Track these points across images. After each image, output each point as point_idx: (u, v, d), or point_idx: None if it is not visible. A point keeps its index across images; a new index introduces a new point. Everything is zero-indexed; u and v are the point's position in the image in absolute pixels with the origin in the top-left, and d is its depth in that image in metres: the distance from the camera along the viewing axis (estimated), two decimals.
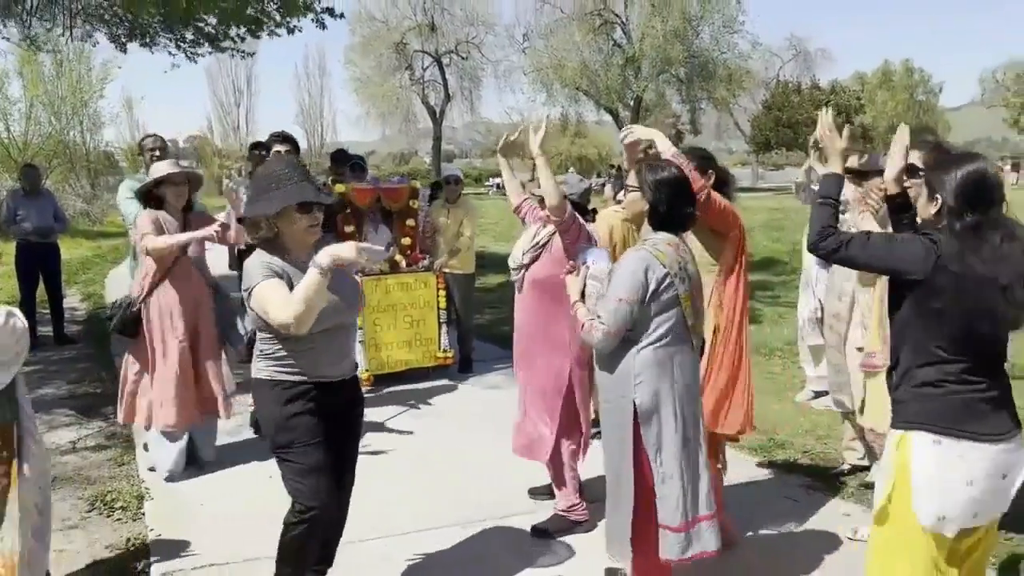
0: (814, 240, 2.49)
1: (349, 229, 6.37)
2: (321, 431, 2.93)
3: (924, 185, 2.46)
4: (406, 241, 6.88)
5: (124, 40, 8.33)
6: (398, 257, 6.75)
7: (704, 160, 3.67)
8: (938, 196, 2.37)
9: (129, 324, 4.52)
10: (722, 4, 41.34)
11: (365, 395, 5.98)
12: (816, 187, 4.78)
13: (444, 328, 6.85)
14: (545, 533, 3.91)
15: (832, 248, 2.44)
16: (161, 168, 4.56)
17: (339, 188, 6.42)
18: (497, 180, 48.73)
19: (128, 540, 3.90)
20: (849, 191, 4.15)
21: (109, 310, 4.69)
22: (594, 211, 4.36)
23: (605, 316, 2.86)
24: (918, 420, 2.34)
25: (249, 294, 2.84)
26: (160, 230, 4.41)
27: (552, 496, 4.12)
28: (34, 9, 6.58)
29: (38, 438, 2.89)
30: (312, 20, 8.42)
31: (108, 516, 4.19)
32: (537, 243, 3.92)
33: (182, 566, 3.61)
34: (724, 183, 3.76)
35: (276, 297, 2.77)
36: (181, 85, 39.86)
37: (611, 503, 3.08)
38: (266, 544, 3.49)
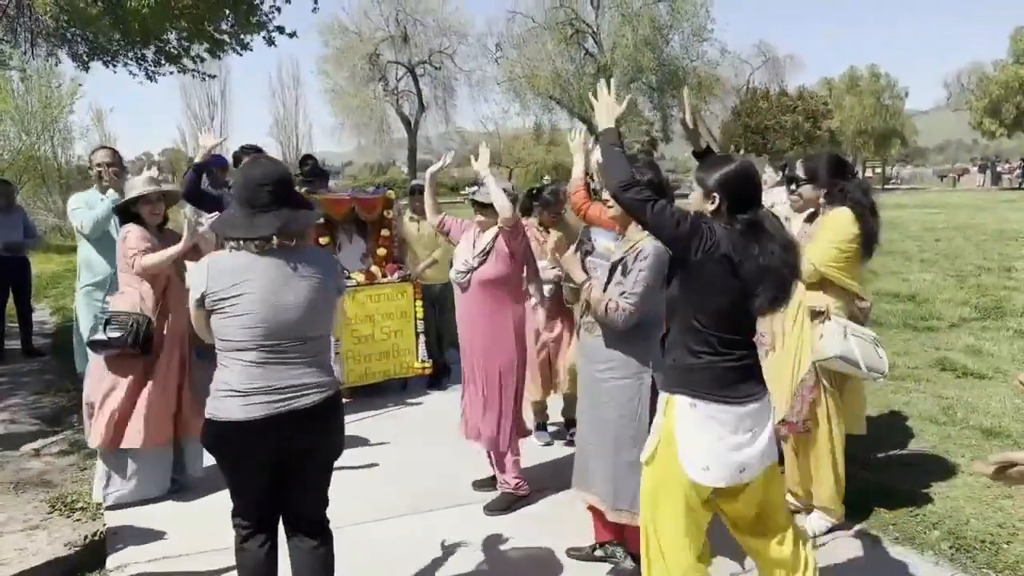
0: (618, 186, 2.66)
1: (324, 240, 6.41)
2: None
3: (698, 184, 2.74)
4: (381, 252, 6.85)
5: (86, 59, 8.48)
6: (374, 268, 6.74)
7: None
8: (715, 195, 2.66)
9: (148, 341, 4.40)
10: (691, 13, 41.98)
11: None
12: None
13: (421, 338, 6.77)
14: (496, 510, 4.30)
15: (638, 200, 2.63)
16: (137, 185, 4.54)
17: (313, 199, 6.36)
18: (473, 188, 48.95)
19: (86, 538, 4.07)
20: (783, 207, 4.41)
21: (110, 328, 4.37)
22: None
23: (635, 299, 3.23)
24: (679, 385, 2.68)
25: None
26: (149, 245, 4.43)
27: (494, 487, 4.44)
28: None
29: None
30: (263, 38, 8.67)
31: (68, 516, 4.36)
32: (483, 250, 4.28)
33: (137, 559, 3.81)
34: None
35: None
36: (155, 98, 39.81)
37: (618, 469, 3.40)
38: (217, 537, 3.73)
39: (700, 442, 2.62)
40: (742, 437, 2.64)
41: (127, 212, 4.56)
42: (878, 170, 49.51)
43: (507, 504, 4.34)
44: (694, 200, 2.78)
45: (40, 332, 9.55)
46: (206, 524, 4.14)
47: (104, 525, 4.21)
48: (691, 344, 2.66)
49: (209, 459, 4.77)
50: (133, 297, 4.47)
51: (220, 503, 4.26)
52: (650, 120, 48.76)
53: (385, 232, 6.89)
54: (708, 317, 2.63)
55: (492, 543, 3.98)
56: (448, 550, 3.90)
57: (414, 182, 7.25)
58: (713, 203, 2.67)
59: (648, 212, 2.62)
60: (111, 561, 3.81)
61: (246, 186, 2.76)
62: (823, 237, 3.78)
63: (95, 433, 4.49)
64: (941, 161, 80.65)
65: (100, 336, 4.38)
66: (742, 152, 41.50)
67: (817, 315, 3.77)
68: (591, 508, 3.64)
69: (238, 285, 2.67)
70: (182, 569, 3.71)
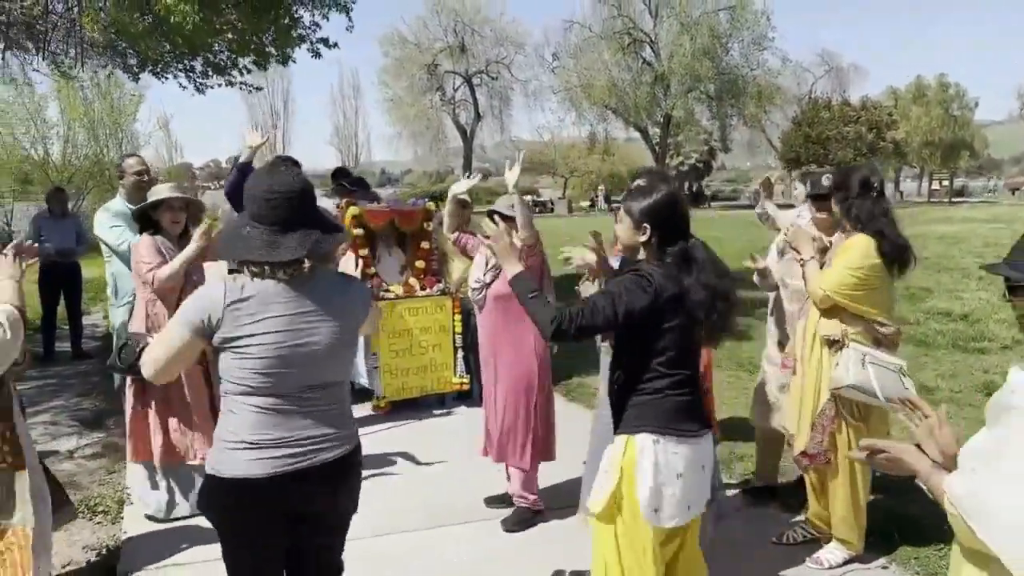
0: (554, 332, 2.52)
1: (363, 252, 6.33)
2: None
3: (626, 214, 2.68)
4: (420, 264, 6.71)
5: (136, 70, 8.76)
6: (412, 281, 6.62)
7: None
8: (645, 225, 2.61)
9: None
10: (751, 21, 41.49)
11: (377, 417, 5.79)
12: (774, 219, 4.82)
13: (460, 353, 6.61)
14: (512, 526, 4.28)
15: (576, 327, 2.51)
16: (160, 191, 4.37)
17: (352, 211, 6.33)
18: (528, 197, 49.01)
19: (103, 542, 4.18)
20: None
21: (122, 354, 4.22)
22: None
23: None
24: (641, 424, 2.61)
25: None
26: (161, 257, 4.22)
27: (508, 504, 4.41)
28: (48, 42, 7.02)
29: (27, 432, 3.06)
30: (307, 50, 8.84)
31: (90, 520, 4.48)
32: (495, 264, 4.22)
33: (146, 565, 3.88)
34: None
35: (161, 344, 2.39)
36: (221, 105, 40.98)
37: None
38: None
39: (662, 481, 2.57)
40: (696, 472, 2.64)
41: (145, 219, 4.36)
42: (945, 183, 48.03)
43: (521, 520, 4.30)
44: (623, 232, 2.72)
45: (91, 335, 9.86)
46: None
47: (123, 531, 4.30)
48: (649, 383, 2.63)
49: None
50: (142, 314, 4.32)
51: None
52: (708, 129, 48.32)
53: (425, 244, 6.77)
54: (663, 355, 2.60)
55: (503, 561, 3.93)
56: (458, 566, 3.87)
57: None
58: (644, 234, 2.63)
59: (586, 323, 2.52)
60: (120, 567, 3.89)
61: (266, 200, 2.31)
62: (839, 262, 3.61)
63: (129, 448, 4.46)
64: (1016, 173, 77.92)
65: (116, 362, 4.27)
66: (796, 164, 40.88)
67: (832, 344, 3.63)
68: None
69: (258, 323, 2.27)
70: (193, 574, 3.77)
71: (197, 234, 4.23)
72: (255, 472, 2.28)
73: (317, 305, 2.34)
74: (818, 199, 3.99)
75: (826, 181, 3.88)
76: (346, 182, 7.33)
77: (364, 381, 6.40)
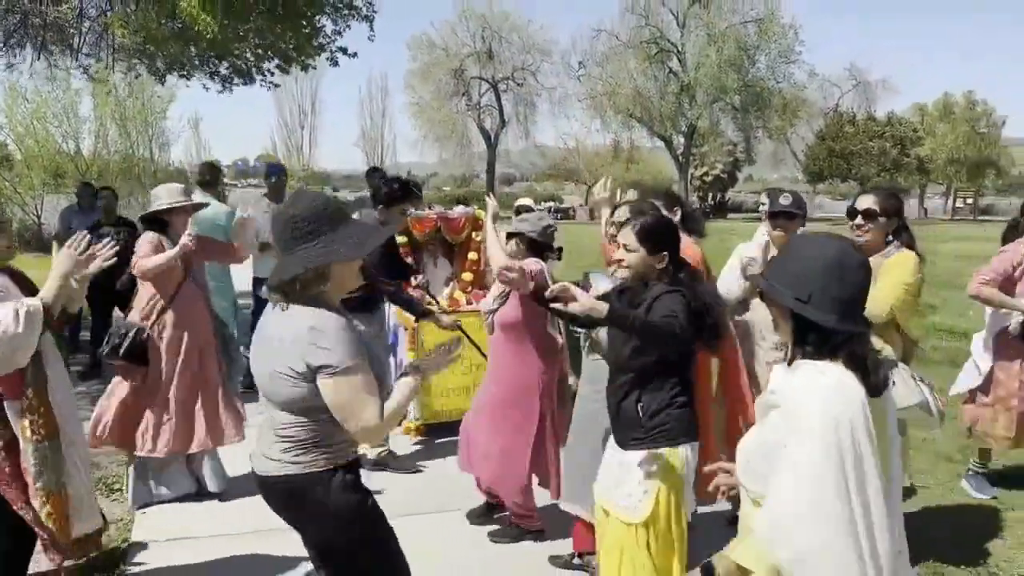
0: (676, 338, 2.64)
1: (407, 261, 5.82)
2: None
3: (638, 242, 2.80)
4: (467, 276, 6.30)
5: (163, 73, 9.10)
6: (458, 294, 6.18)
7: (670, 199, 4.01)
8: (665, 253, 2.80)
9: (138, 350, 4.38)
10: (779, 34, 41.48)
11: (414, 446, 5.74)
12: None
13: None
14: (502, 538, 4.28)
15: (685, 331, 2.65)
16: (173, 194, 4.55)
17: None
18: (550, 204, 49.18)
19: (118, 517, 4.48)
20: None
21: (110, 338, 4.40)
22: (560, 249, 4.33)
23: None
24: (681, 436, 2.84)
25: (335, 373, 2.29)
26: (160, 252, 4.39)
27: (489, 517, 4.45)
28: (81, 46, 7.38)
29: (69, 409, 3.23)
30: (326, 59, 9.17)
31: (107, 496, 4.79)
32: (504, 291, 4.12)
33: (156, 538, 4.19)
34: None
35: (372, 397, 2.34)
36: (250, 103, 41.59)
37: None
38: (238, 522, 4.19)
39: (689, 482, 2.86)
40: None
41: (156, 220, 4.51)
42: (969, 200, 47.59)
43: (516, 536, 4.26)
44: (637, 261, 2.81)
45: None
46: (228, 510, 4.53)
47: (137, 508, 4.60)
48: (679, 398, 2.83)
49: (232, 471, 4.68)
50: (142, 305, 4.49)
51: (244, 489, 4.58)
52: (733, 141, 48.30)
53: (473, 255, 6.34)
54: (686, 368, 2.86)
55: (474, 548, 4.17)
56: (428, 553, 3.98)
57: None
58: (662, 262, 2.81)
59: (684, 334, 2.65)
60: (134, 538, 4.23)
61: None
62: (891, 280, 3.52)
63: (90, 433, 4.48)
64: None
65: (113, 350, 4.39)
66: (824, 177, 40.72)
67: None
68: (577, 518, 3.74)
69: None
70: (199, 548, 4.06)
71: (183, 239, 4.43)
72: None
73: None
74: (777, 216, 3.88)
75: (784, 200, 3.84)
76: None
77: None
